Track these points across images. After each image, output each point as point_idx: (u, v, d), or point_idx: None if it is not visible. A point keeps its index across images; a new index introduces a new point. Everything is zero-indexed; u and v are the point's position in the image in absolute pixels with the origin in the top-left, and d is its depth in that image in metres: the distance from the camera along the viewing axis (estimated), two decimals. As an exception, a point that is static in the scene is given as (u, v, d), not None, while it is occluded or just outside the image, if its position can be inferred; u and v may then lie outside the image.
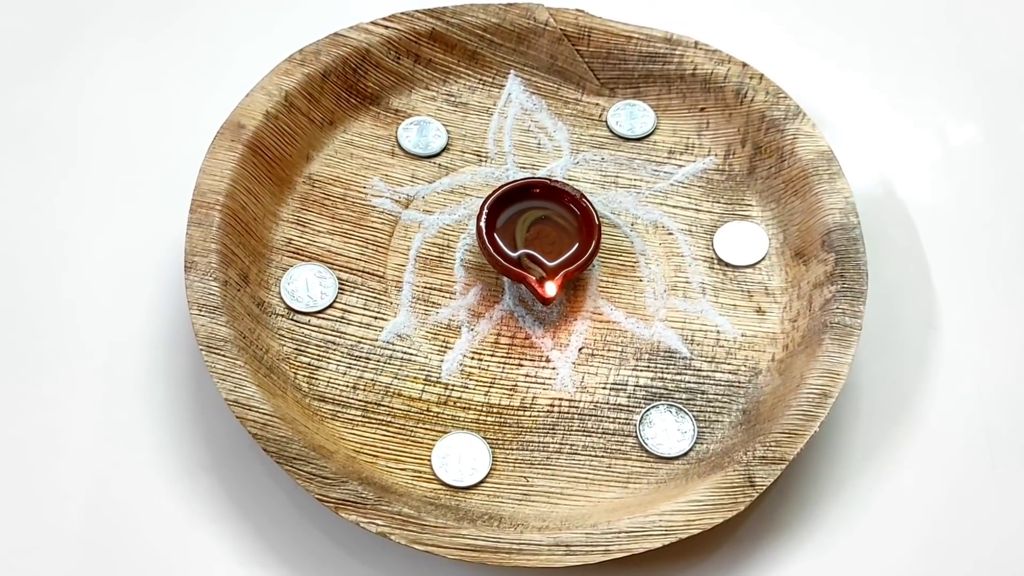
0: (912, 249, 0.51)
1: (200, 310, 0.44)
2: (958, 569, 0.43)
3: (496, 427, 0.44)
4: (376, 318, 0.47)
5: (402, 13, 0.53)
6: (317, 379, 0.45)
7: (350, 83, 0.52)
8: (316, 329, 0.46)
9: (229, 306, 0.44)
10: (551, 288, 0.46)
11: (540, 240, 0.47)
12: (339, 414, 0.44)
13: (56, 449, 0.44)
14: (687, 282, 0.48)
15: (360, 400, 0.45)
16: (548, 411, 0.45)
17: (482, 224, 0.47)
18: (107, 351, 0.47)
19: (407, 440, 0.44)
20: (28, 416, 0.45)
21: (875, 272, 0.49)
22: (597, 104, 0.53)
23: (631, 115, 0.53)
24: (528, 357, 0.46)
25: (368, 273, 0.48)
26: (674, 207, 0.50)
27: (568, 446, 0.44)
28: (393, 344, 0.46)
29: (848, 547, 0.43)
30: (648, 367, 0.46)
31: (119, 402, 0.46)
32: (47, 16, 0.57)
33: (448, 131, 0.52)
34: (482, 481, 0.43)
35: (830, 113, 0.55)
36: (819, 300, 0.46)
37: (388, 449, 0.44)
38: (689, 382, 0.46)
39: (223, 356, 0.43)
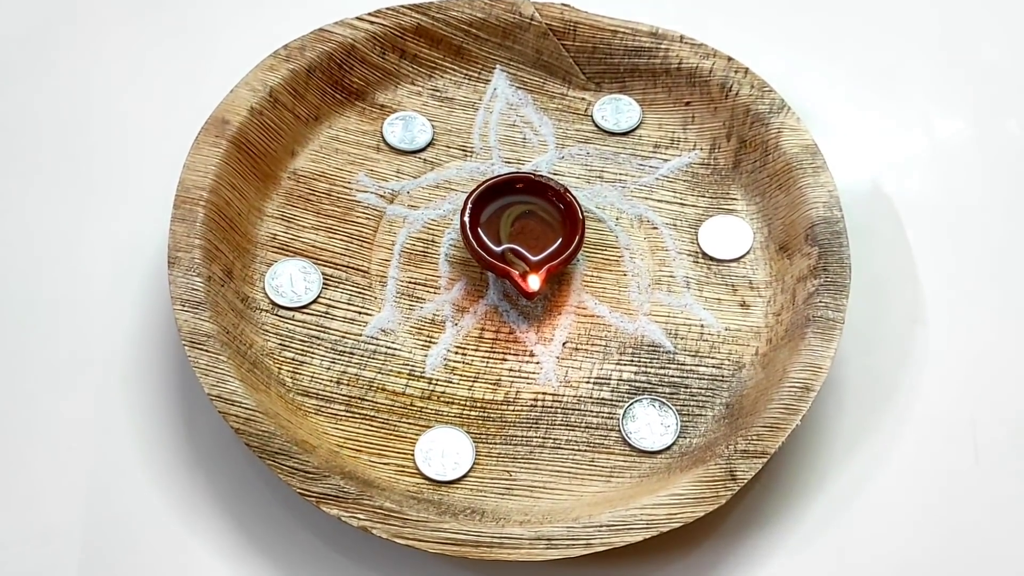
0: (897, 243, 0.51)
1: (183, 305, 0.44)
2: (942, 563, 0.43)
3: (479, 421, 0.45)
4: (360, 313, 0.47)
5: (387, 8, 0.52)
6: (301, 374, 0.45)
7: (335, 78, 0.51)
8: (300, 324, 0.46)
9: (213, 301, 0.44)
10: (534, 282, 0.46)
11: (524, 235, 0.47)
12: (323, 409, 0.44)
13: (38, 444, 0.45)
14: (671, 276, 0.48)
15: (344, 395, 0.45)
16: (532, 405, 0.45)
17: (466, 219, 0.47)
18: (90, 347, 0.47)
19: (390, 435, 0.44)
20: (10, 412, 0.45)
21: (860, 266, 0.49)
22: (583, 99, 0.53)
23: (616, 109, 0.53)
24: (512, 352, 0.46)
25: (353, 268, 0.48)
26: (659, 201, 0.50)
27: (551, 440, 0.44)
28: (377, 339, 0.46)
29: (831, 541, 0.43)
30: (632, 361, 0.46)
31: (102, 397, 0.46)
32: (30, 14, 0.57)
33: (433, 126, 0.52)
34: (465, 475, 0.43)
35: (815, 107, 0.55)
36: (802, 294, 0.46)
37: (371, 443, 0.44)
38: (673, 376, 0.46)
39: (206, 351, 0.43)
